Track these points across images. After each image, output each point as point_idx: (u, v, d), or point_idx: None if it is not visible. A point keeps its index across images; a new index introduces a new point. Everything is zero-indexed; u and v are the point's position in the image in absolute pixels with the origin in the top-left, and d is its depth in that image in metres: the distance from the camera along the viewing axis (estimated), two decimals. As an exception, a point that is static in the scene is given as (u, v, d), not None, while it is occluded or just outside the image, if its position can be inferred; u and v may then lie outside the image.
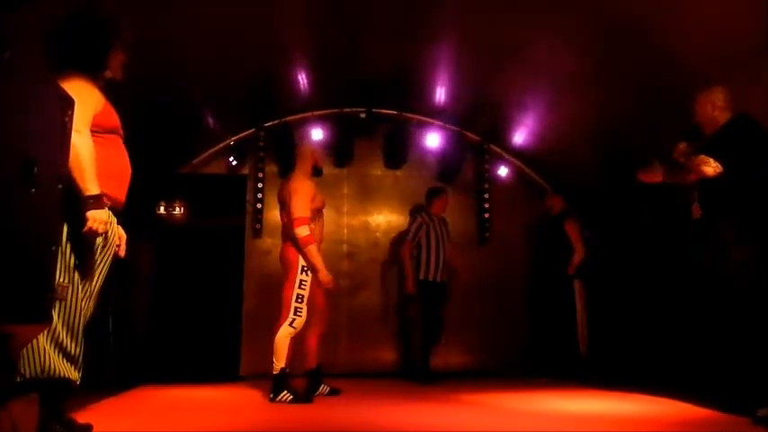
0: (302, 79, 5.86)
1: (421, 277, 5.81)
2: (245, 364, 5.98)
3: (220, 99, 5.71)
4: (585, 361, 5.71)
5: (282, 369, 4.09)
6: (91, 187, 2.41)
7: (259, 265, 6.39)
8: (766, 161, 3.35)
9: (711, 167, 3.40)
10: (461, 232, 6.69)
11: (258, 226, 6.43)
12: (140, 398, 4.41)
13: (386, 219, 6.79)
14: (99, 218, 2.43)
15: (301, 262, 4.19)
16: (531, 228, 6.76)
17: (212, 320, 5.81)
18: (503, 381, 5.53)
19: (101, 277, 2.65)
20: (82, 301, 2.49)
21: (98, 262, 2.61)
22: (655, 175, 3.73)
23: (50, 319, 2.18)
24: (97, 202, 2.43)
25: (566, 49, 4.95)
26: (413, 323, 6.05)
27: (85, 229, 2.41)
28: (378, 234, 6.74)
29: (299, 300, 4.12)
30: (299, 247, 4.17)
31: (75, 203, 2.40)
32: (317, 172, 4.58)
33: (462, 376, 5.87)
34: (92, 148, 2.47)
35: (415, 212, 6.21)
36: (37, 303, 1.94)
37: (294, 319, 4.11)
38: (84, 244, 2.49)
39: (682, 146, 3.62)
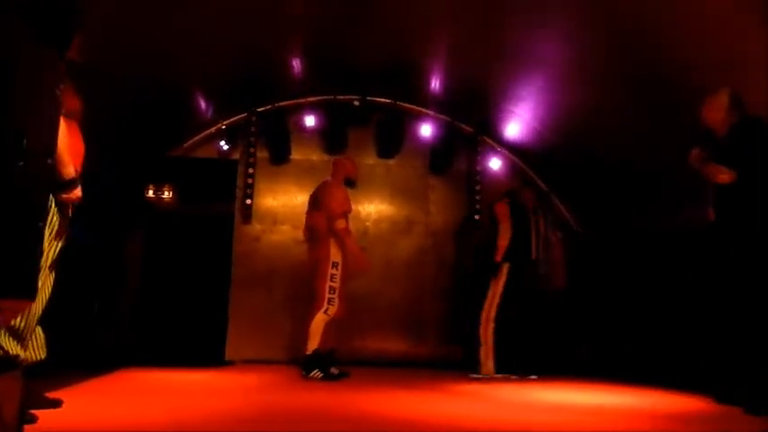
0: (296, 65, 5.81)
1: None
2: (232, 349, 5.97)
3: (213, 82, 5.66)
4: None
5: (315, 350, 4.63)
6: (69, 171, 2.58)
7: (248, 250, 6.37)
8: None
9: (727, 175, 3.42)
10: (452, 223, 6.71)
11: (248, 212, 6.40)
12: (124, 379, 4.38)
13: (376, 208, 6.77)
14: (77, 195, 2.67)
15: (332, 258, 4.73)
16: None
17: (199, 305, 5.77)
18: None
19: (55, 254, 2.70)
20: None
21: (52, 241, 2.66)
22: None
23: (35, 294, 2.15)
24: (75, 185, 2.65)
25: (562, 45, 4.95)
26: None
27: (63, 197, 2.61)
28: (368, 224, 6.72)
29: (332, 291, 4.69)
30: (338, 237, 4.72)
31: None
32: (349, 183, 5.08)
33: (446, 367, 5.86)
34: (66, 131, 2.57)
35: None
36: (24, 278, 1.91)
37: (328, 308, 4.67)
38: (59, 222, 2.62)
39: (696, 151, 3.60)
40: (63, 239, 2.72)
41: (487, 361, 5.13)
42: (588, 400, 3.92)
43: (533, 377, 5.17)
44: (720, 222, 3.57)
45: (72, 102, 2.75)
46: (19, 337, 2.48)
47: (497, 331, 5.16)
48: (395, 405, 3.49)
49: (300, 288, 5.43)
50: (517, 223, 5.44)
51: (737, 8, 3.60)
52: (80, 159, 2.84)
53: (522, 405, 3.66)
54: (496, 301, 5.26)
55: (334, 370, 4.76)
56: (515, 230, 5.39)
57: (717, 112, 3.60)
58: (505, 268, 5.30)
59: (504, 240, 5.34)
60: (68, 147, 2.61)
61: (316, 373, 4.63)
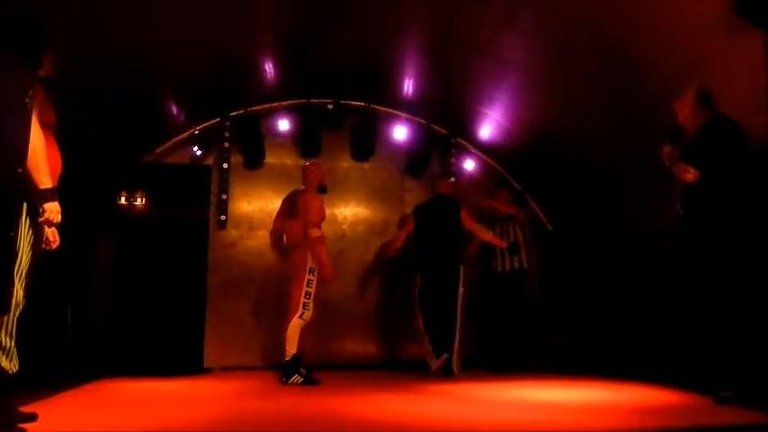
0: (269, 69, 5.78)
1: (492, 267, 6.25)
2: (209, 357, 5.92)
3: (185, 86, 5.59)
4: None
5: (294, 355, 4.68)
6: (46, 180, 2.52)
7: (223, 256, 6.30)
8: (743, 163, 3.45)
9: (691, 174, 3.49)
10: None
11: (223, 217, 6.34)
12: (100, 391, 4.30)
13: (352, 211, 6.76)
14: (56, 209, 2.58)
15: (309, 264, 4.79)
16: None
17: (175, 313, 5.72)
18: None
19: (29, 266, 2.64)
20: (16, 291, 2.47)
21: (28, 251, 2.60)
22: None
23: (9, 307, 2.11)
24: (53, 194, 2.57)
25: (535, 48, 5.00)
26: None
27: (43, 218, 2.54)
28: (344, 226, 6.71)
29: (307, 296, 4.76)
30: (311, 244, 4.78)
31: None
32: (322, 189, 5.12)
33: (425, 369, 5.87)
34: (43, 142, 2.53)
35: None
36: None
37: (303, 312, 4.73)
38: (33, 232, 2.56)
39: (667, 148, 3.66)
40: (40, 247, 2.68)
41: (432, 362, 5.41)
42: (566, 397, 3.96)
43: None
44: (687, 219, 3.65)
45: (48, 115, 2.71)
46: (5, 350, 2.46)
47: (430, 336, 5.45)
48: (374, 407, 3.49)
49: (278, 293, 5.40)
50: (425, 231, 5.65)
51: (706, 10, 3.68)
52: (57, 171, 2.79)
53: (499, 404, 3.69)
54: (416, 307, 5.59)
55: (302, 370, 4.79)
56: (424, 239, 5.63)
57: (684, 107, 3.70)
58: (418, 278, 5.61)
59: (394, 244, 5.89)
60: (47, 156, 2.55)
61: (296, 378, 4.66)
